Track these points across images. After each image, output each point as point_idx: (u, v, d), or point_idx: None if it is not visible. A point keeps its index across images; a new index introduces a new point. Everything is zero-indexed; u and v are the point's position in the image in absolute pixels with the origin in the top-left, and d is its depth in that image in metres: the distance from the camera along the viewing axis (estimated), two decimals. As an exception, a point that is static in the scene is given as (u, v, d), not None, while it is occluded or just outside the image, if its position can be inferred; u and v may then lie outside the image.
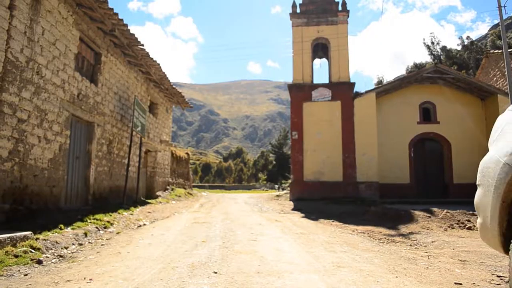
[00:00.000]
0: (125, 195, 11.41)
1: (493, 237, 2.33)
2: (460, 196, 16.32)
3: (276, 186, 50.23)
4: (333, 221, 9.39)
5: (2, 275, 3.93)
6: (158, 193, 16.19)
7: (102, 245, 5.91)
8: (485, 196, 2.37)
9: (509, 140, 2.32)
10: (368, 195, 16.34)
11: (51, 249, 5.28)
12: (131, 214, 9.57)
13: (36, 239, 5.34)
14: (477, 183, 2.52)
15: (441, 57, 40.28)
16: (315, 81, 18.29)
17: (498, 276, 3.88)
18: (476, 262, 4.59)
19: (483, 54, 23.74)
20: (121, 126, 12.15)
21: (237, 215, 10.50)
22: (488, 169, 2.38)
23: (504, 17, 15.34)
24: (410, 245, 5.95)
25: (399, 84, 18.35)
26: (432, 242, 6.23)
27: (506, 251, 2.34)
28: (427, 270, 4.19)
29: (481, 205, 2.41)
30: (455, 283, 3.57)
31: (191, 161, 29.23)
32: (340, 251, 5.21)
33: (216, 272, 3.78)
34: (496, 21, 56.19)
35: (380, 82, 43.48)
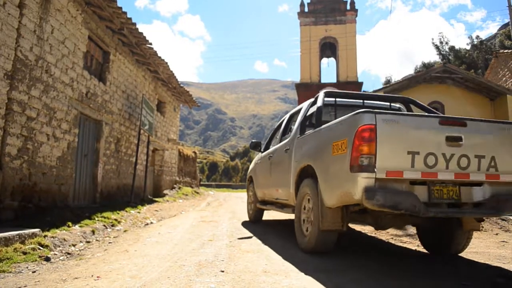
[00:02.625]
0: (132, 194, 11.47)
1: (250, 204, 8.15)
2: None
3: None
4: (340, 221, 9.32)
5: (10, 272, 3.97)
6: (165, 191, 16.25)
7: (109, 243, 5.94)
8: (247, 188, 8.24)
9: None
10: (375, 195, 16.25)
11: (59, 247, 5.32)
12: (139, 213, 9.62)
13: (44, 236, 5.39)
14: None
15: (450, 57, 39.96)
16: (322, 81, 18.27)
17: (506, 278, 3.84)
18: (484, 263, 4.55)
19: (492, 54, 23.52)
20: (129, 125, 12.20)
21: (244, 214, 10.49)
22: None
23: (515, 16, 15.19)
24: (418, 245, 5.91)
25: (407, 83, 18.25)
26: (440, 243, 6.18)
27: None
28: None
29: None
30: (462, 284, 3.54)
31: (198, 160, 29.30)
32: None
33: (223, 271, 3.78)
34: (506, 20, 55.62)
35: (388, 82, 43.24)
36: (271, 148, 6.90)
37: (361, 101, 6.01)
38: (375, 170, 3.51)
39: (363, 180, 3.52)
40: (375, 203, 3.43)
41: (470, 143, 3.74)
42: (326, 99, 5.42)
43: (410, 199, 3.51)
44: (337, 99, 5.82)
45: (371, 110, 3.68)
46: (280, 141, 6.36)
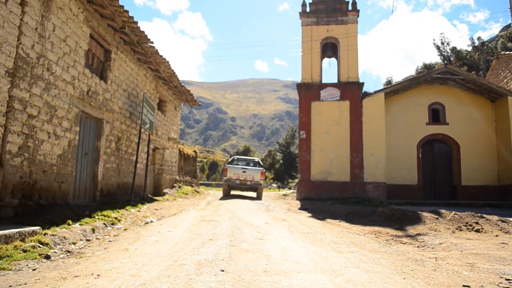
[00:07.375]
0: (132, 192, 11.47)
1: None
2: (468, 198, 16.24)
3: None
4: (340, 221, 9.36)
5: (10, 270, 3.97)
6: (165, 190, 16.26)
7: (109, 241, 5.95)
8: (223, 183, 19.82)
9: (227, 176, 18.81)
10: (375, 195, 16.28)
11: (59, 245, 5.32)
12: (139, 211, 9.62)
13: (45, 234, 5.39)
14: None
15: (451, 58, 39.91)
16: (323, 81, 18.21)
17: (506, 279, 3.84)
18: (484, 265, 4.55)
19: (494, 55, 23.49)
20: (129, 123, 12.21)
21: (244, 214, 10.49)
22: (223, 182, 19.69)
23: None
24: (418, 247, 5.92)
25: (409, 84, 18.23)
26: (440, 244, 6.18)
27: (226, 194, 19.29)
28: (434, 272, 4.16)
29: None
30: (463, 286, 3.54)
31: (198, 159, 29.27)
32: (347, 252, 5.20)
33: (223, 270, 3.78)
34: (509, 21, 55.48)
35: (389, 82, 43.18)
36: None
37: (245, 158, 21.16)
38: (228, 176, 17.81)
39: (226, 178, 18.03)
40: (227, 183, 18.53)
41: (248, 172, 17.83)
42: (235, 158, 20.47)
43: (233, 182, 17.82)
44: (239, 158, 20.69)
45: (229, 165, 18.65)
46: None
